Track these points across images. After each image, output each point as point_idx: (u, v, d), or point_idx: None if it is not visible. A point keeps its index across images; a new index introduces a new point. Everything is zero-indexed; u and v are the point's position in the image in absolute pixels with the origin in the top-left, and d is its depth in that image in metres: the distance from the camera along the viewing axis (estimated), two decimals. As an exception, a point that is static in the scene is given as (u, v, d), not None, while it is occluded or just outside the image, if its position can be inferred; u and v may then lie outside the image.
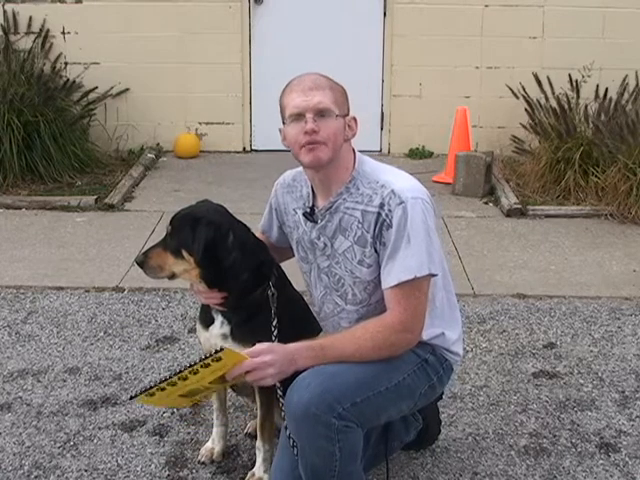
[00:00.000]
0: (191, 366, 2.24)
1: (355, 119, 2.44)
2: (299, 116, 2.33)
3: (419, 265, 2.30)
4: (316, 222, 2.49)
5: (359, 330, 2.34)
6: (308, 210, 2.51)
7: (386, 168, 2.47)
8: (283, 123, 2.41)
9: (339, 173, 2.42)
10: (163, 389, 2.30)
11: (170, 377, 2.26)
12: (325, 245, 2.48)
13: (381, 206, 2.34)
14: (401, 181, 2.39)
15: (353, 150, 2.47)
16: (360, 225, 2.39)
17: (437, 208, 2.47)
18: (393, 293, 2.32)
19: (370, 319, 2.37)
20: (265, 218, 2.76)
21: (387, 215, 2.33)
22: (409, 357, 2.42)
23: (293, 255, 2.70)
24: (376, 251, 2.37)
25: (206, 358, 2.22)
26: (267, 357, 2.25)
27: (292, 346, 2.30)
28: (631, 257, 4.99)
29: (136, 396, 2.32)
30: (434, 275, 2.35)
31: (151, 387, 2.29)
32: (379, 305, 2.43)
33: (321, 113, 2.33)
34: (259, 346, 2.29)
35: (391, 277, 2.32)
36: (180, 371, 2.25)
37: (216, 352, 2.21)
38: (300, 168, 2.56)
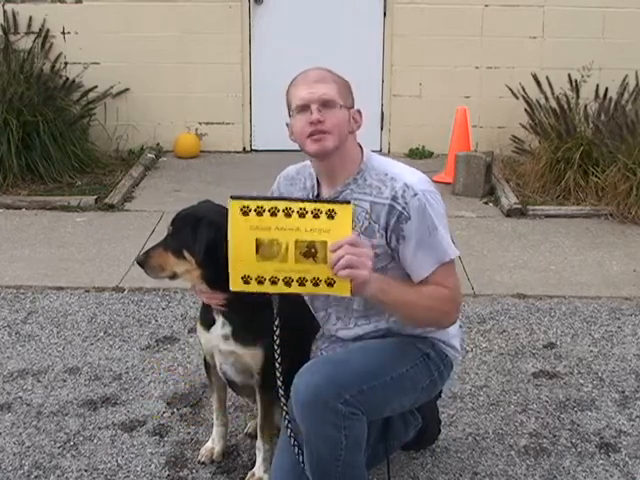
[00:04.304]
0: (302, 201, 2.18)
1: (360, 112, 2.48)
2: (305, 107, 2.38)
3: (450, 247, 2.37)
4: None
5: (419, 287, 2.36)
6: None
7: (393, 162, 2.51)
8: (289, 116, 2.45)
9: (345, 164, 2.44)
10: (261, 208, 2.15)
11: (277, 199, 2.19)
12: None
13: (394, 199, 2.36)
14: (410, 174, 2.44)
15: (360, 145, 2.50)
16: (368, 216, 2.41)
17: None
18: (435, 275, 2.35)
19: (422, 287, 2.36)
20: None
21: (404, 208, 2.35)
22: (412, 351, 2.46)
23: None
24: (387, 242, 2.39)
25: (321, 202, 2.17)
26: (370, 251, 2.19)
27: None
28: (631, 257, 4.99)
29: (238, 198, 2.16)
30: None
31: (255, 198, 2.18)
32: None
33: (326, 104, 2.37)
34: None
35: (429, 263, 2.35)
36: (290, 199, 2.19)
37: (338, 202, 2.18)
38: (304, 162, 2.59)
